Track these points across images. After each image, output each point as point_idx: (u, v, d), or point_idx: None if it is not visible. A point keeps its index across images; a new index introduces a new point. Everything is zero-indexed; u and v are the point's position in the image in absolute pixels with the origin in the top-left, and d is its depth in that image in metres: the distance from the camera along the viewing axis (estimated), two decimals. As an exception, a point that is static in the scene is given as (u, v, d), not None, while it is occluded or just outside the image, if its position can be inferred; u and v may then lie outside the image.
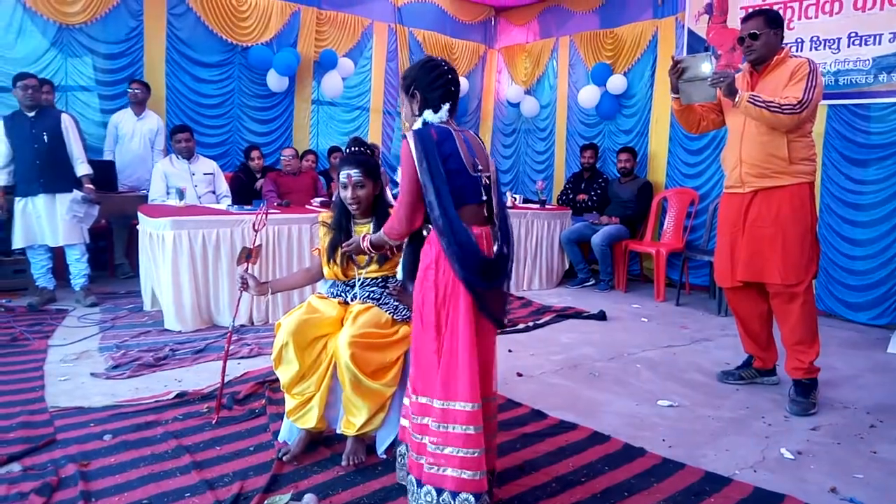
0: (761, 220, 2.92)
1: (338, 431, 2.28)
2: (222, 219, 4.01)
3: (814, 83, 2.73)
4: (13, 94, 4.23)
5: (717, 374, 3.33)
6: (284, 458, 2.23)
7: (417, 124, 1.90)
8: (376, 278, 2.35)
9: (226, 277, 3.96)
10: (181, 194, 4.50)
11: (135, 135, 5.29)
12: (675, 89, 2.97)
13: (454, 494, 1.73)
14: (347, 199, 2.31)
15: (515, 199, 5.92)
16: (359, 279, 2.36)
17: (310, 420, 2.24)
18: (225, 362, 2.62)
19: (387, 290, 2.34)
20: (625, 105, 6.38)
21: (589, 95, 6.42)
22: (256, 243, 2.62)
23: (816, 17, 4.69)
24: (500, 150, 7.85)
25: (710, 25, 5.42)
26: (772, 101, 2.72)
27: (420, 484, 1.80)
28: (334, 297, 2.38)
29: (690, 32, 5.56)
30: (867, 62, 4.45)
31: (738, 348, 3.40)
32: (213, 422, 2.54)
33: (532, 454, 2.37)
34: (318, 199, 5.17)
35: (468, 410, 1.76)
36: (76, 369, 3.14)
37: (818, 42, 4.68)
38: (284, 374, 2.22)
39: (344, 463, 2.21)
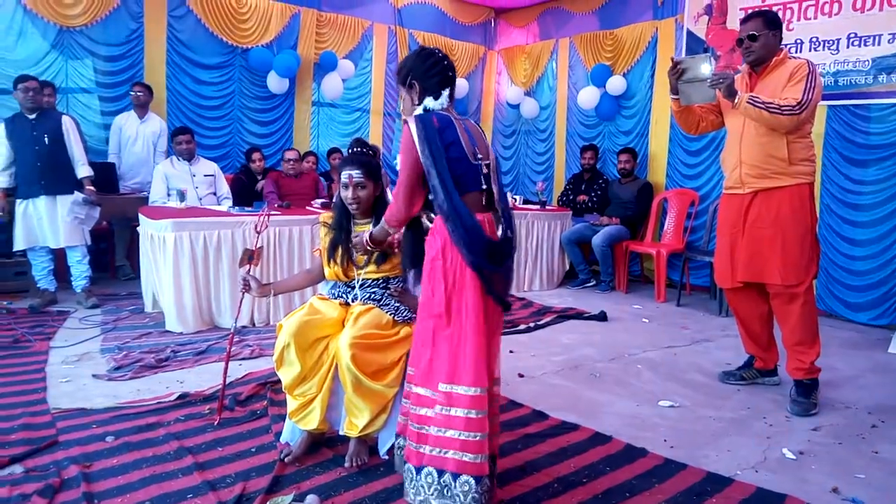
0: (761, 221, 2.93)
1: (340, 433, 2.28)
2: (223, 220, 4.02)
3: (813, 84, 2.74)
4: (14, 97, 4.24)
5: (719, 375, 3.34)
6: (286, 460, 2.23)
7: (417, 112, 1.91)
8: (377, 279, 2.35)
9: (227, 279, 3.97)
10: (182, 196, 4.50)
11: (138, 137, 5.30)
12: (674, 90, 2.98)
13: (455, 476, 1.74)
14: (348, 199, 2.32)
15: (516, 199, 5.93)
16: (359, 280, 2.36)
17: (312, 421, 2.24)
18: (227, 363, 2.62)
19: (388, 292, 2.35)
20: (624, 106, 6.38)
21: (589, 96, 6.42)
22: (258, 245, 2.62)
23: (816, 18, 4.70)
24: (500, 151, 7.85)
25: (709, 26, 5.43)
26: (771, 103, 2.73)
27: (419, 469, 1.80)
28: (335, 299, 2.38)
29: (690, 33, 5.57)
30: (866, 63, 4.46)
31: (738, 349, 3.40)
32: (215, 423, 2.54)
33: (533, 455, 2.37)
34: (319, 201, 5.17)
35: (472, 395, 1.76)
36: (78, 371, 3.15)
37: (817, 43, 4.69)
38: (286, 376, 2.23)
39: (347, 464, 2.21)
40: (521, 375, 3.30)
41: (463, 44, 7.53)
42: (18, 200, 4.25)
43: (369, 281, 2.35)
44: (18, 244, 4.26)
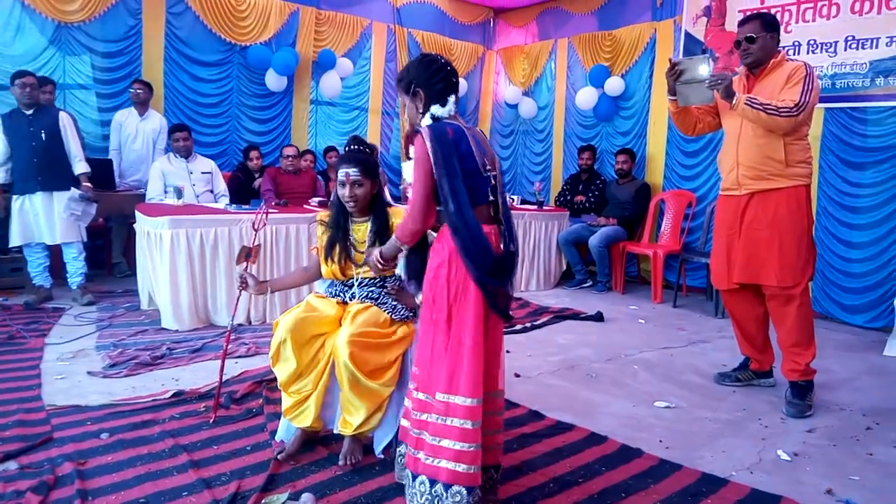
0: (758, 223, 2.93)
1: (335, 431, 2.28)
2: (220, 218, 4.01)
3: (810, 86, 2.74)
4: (11, 92, 4.23)
5: (714, 376, 3.34)
6: (280, 457, 2.23)
7: (426, 121, 1.88)
8: (374, 278, 2.35)
9: (223, 277, 3.96)
10: (179, 193, 4.49)
11: (138, 135, 5.28)
12: (672, 91, 2.98)
13: (447, 486, 1.74)
14: (345, 196, 2.31)
15: (513, 199, 5.93)
16: (357, 279, 2.36)
17: (306, 419, 2.24)
18: (223, 361, 2.62)
19: (385, 290, 2.35)
20: (622, 107, 6.39)
21: (587, 97, 6.42)
22: (256, 243, 2.62)
23: (814, 20, 4.71)
24: (498, 151, 7.85)
25: (707, 28, 5.44)
26: (769, 104, 2.73)
27: (415, 476, 1.81)
28: (333, 297, 2.38)
29: (688, 35, 5.58)
30: (864, 66, 4.47)
31: (734, 350, 3.41)
32: (211, 421, 2.54)
33: (529, 455, 2.37)
34: (317, 199, 5.16)
35: (468, 405, 1.76)
36: (73, 368, 3.14)
37: (815, 45, 4.70)
38: (282, 372, 2.23)
39: (341, 462, 2.21)
40: (517, 375, 3.30)
41: (462, 43, 7.53)
42: (15, 196, 4.24)
43: (367, 280, 2.35)
44: (14, 240, 4.25)
